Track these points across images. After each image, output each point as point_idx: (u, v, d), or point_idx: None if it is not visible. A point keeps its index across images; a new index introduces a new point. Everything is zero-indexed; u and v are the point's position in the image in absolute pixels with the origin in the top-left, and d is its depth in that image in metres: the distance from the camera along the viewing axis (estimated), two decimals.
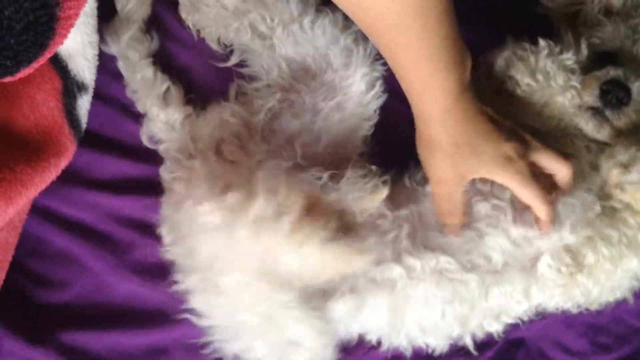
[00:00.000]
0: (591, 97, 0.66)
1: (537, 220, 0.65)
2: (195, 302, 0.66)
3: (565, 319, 0.82)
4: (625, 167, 0.62)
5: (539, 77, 0.66)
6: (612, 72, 0.65)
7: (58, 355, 0.73)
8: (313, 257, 0.56)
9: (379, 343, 0.74)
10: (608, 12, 0.71)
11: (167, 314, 0.71)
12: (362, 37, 0.70)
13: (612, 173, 0.63)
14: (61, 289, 0.74)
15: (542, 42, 0.67)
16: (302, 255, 0.56)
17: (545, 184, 0.64)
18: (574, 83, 0.66)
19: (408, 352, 0.74)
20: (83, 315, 0.74)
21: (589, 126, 0.67)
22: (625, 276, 0.66)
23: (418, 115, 0.64)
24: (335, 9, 0.69)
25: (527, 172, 0.63)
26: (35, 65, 0.49)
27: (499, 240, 0.65)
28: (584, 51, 0.68)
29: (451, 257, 0.66)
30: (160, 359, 0.75)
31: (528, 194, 0.63)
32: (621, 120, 0.65)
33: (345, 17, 0.69)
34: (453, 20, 0.58)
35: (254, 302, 0.61)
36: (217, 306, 0.64)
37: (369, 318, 0.69)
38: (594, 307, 0.70)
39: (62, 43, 0.49)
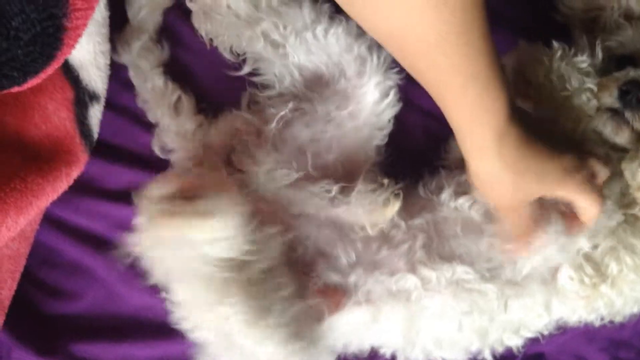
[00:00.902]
0: (610, 99, 0.65)
1: (573, 222, 0.64)
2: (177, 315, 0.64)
3: (586, 334, 0.81)
4: None
5: (554, 79, 0.65)
6: (632, 72, 0.64)
7: None
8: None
9: (394, 358, 0.74)
10: (628, 17, 0.70)
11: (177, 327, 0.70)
12: (376, 45, 0.69)
13: (637, 174, 0.62)
14: (72, 300, 0.75)
15: (555, 45, 0.66)
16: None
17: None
18: (589, 85, 0.65)
19: None
20: (94, 327, 0.75)
21: (607, 129, 0.66)
22: None
23: (470, 149, 0.60)
24: (349, 16, 0.69)
25: (589, 180, 0.62)
26: (42, 75, 0.49)
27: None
28: (599, 54, 0.68)
29: (469, 267, 0.65)
30: None
31: (590, 202, 0.62)
32: None
33: (359, 26, 0.69)
34: (491, 36, 0.55)
35: (208, 318, 0.60)
36: (192, 321, 0.63)
37: (384, 329, 0.69)
38: (617, 319, 0.69)
39: (69, 53, 0.50)
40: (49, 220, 0.73)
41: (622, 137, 0.66)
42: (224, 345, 0.61)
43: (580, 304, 0.66)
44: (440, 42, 0.52)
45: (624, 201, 0.65)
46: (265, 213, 0.67)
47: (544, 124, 0.66)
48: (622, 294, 0.65)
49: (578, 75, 0.65)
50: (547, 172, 0.60)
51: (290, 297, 0.61)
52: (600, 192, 0.62)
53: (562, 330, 0.78)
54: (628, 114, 0.65)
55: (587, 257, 0.65)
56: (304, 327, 0.62)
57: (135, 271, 0.73)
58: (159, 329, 0.74)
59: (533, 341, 0.77)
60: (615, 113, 0.66)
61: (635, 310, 0.68)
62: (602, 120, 0.66)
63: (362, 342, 0.72)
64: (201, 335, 0.63)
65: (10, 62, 0.46)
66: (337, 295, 0.67)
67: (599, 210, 0.62)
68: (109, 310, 0.75)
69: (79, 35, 0.48)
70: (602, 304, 0.66)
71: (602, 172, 0.63)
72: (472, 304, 0.65)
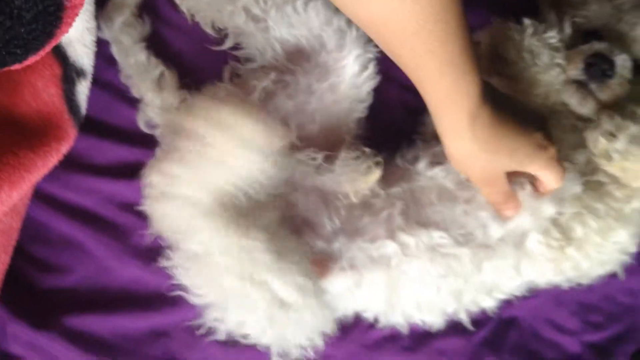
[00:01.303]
0: (576, 71, 0.67)
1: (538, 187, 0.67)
2: (184, 279, 0.67)
3: (557, 298, 0.84)
4: (612, 135, 0.62)
5: (525, 55, 0.67)
6: (597, 45, 0.66)
7: (62, 339, 0.74)
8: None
9: (376, 321, 0.77)
10: None
11: (168, 297, 0.73)
12: None
13: (598, 142, 0.63)
14: (64, 274, 0.76)
15: (526, 21, 0.68)
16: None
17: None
18: (559, 60, 0.67)
19: (404, 330, 0.76)
20: (86, 300, 0.76)
21: (573, 100, 0.68)
22: (615, 249, 0.68)
23: (445, 129, 0.63)
24: None
25: (554, 156, 0.64)
26: (42, 53, 0.51)
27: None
28: (567, 29, 0.70)
29: (444, 232, 0.68)
30: (162, 341, 0.77)
31: (556, 177, 0.65)
32: (605, 93, 0.66)
33: None
34: (466, 22, 0.58)
35: (229, 263, 0.63)
36: (201, 278, 0.66)
37: (367, 294, 0.72)
38: (585, 281, 0.73)
39: (67, 31, 0.51)
40: (39, 196, 0.74)
41: (587, 108, 0.68)
42: (235, 296, 0.65)
43: (548, 266, 0.69)
44: (418, 29, 0.54)
45: (589, 168, 0.68)
46: None
47: (515, 100, 0.69)
48: (588, 256, 0.68)
49: (548, 51, 0.67)
50: (518, 149, 0.63)
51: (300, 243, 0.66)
52: (562, 167, 0.65)
53: (534, 295, 0.81)
54: (593, 86, 0.67)
55: (555, 222, 0.68)
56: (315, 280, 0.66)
57: (124, 245, 0.76)
58: (150, 300, 0.76)
59: (507, 305, 0.81)
60: (581, 85, 0.68)
61: (600, 272, 0.71)
62: (568, 92, 0.68)
63: (346, 307, 0.75)
64: (208, 294, 0.66)
65: (13, 40, 0.47)
66: (323, 262, 0.70)
67: (558, 183, 0.65)
68: (100, 283, 0.76)
69: (77, 14, 0.50)
70: (569, 266, 0.69)
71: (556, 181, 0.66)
72: (447, 268, 0.68)
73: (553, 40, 0.68)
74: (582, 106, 0.68)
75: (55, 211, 0.75)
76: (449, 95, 0.60)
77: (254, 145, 0.61)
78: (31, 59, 0.51)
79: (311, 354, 0.69)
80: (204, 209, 0.62)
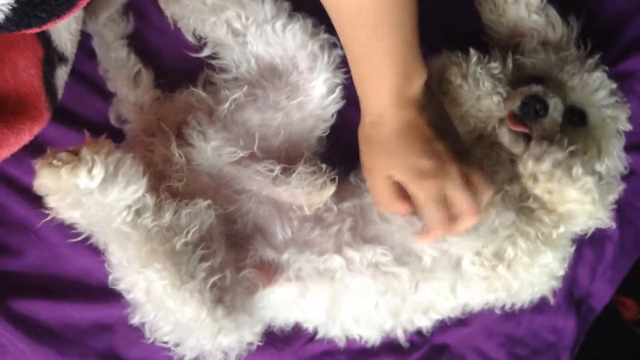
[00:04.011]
0: (513, 108, 0.74)
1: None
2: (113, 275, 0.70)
3: (487, 328, 0.90)
4: (538, 158, 0.68)
5: (470, 80, 0.74)
6: (535, 88, 0.73)
7: (7, 323, 0.75)
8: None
9: (315, 334, 0.81)
10: (544, 44, 0.80)
11: (115, 291, 0.73)
12: (328, 45, 0.77)
13: (527, 163, 0.69)
14: (16, 257, 0.77)
15: (472, 52, 0.76)
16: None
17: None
18: (500, 90, 0.74)
19: (342, 343, 0.80)
20: (35, 285, 0.77)
21: (505, 139, 0.75)
22: (543, 272, 0.74)
23: (362, 106, 0.70)
24: (306, 15, 0.76)
25: (432, 194, 0.67)
26: (61, 19, 0.55)
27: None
28: (509, 64, 0.77)
29: (387, 250, 0.72)
30: (106, 335, 0.78)
31: (429, 215, 0.68)
32: (537, 131, 0.73)
33: (314, 25, 0.76)
34: (410, 33, 0.65)
35: (137, 280, 0.66)
36: (124, 282, 0.69)
37: (309, 305, 0.75)
38: (517, 301, 0.77)
39: (84, 4, 0.55)
40: (0, 177, 0.75)
41: (517, 148, 0.74)
42: (154, 305, 0.67)
43: (481, 286, 0.75)
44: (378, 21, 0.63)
45: (523, 197, 0.74)
46: (206, 187, 0.74)
47: (452, 129, 0.75)
48: (518, 276, 0.73)
49: (490, 79, 0.74)
50: (400, 155, 0.67)
51: (218, 265, 0.67)
52: (438, 211, 0.67)
53: (466, 323, 0.87)
54: (527, 123, 0.73)
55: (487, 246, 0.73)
56: (232, 295, 0.68)
57: (80, 234, 0.77)
58: (98, 292, 0.77)
59: (439, 331, 0.86)
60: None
61: (530, 294, 0.76)
62: (502, 131, 0.75)
63: (288, 317, 0.79)
64: (134, 297, 0.68)
65: (42, 4, 0.51)
66: (270, 271, 0.74)
67: (430, 224, 0.68)
68: (51, 270, 0.77)
69: None
70: (500, 285, 0.74)
71: (485, 194, 0.69)
72: (387, 285, 0.73)
73: (496, 71, 0.75)
74: (514, 146, 0.74)
75: (15, 193, 0.76)
76: (367, 83, 0.67)
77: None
78: (49, 24, 0.55)
79: None
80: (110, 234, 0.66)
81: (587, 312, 0.94)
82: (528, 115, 0.72)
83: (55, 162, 0.60)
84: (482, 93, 0.74)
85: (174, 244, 0.64)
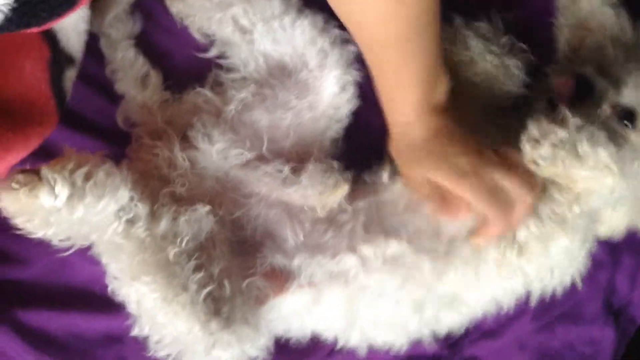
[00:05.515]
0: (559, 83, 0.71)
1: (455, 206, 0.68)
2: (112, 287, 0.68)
3: (519, 340, 0.86)
4: (537, 141, 0.63)
5: (458, 44, 0.73)
6: (588, 69, 0.70)
7: (13, 333, 0.74)
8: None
9: (335, 344, 0.77)
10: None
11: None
12: (339, 41, 0.75)
13: (525, 148, 0.64)
14: (22, 266, 0.76)
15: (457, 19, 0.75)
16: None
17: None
18: (492, 47, 0.72)
19: (364, 352, 0.76)
20: (42, 295, 0.76)
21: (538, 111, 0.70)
22: (561, 256, 0.69)
23: (388, 119, 0.70)
24: (315, 11, 0.75)
25: (479, 190, 0.65)
26: (63, 17, 0.55)
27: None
28: (500, 25, 0.76)
29: (405, 241, 0.69)
30: (115, 346, 0.77)
31: (484, 211, 0.66)
32: (576, 113, 0.66)
33: (325, 21, 0.75)
34: (434, 48, 0.64)
35: (130, 292, 0.64)
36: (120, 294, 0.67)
37: (325, 312, 0.73)
38: (537, 289, 0.73)
39: (85, 3, 0.55)
40: None
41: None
42: (146, 319, 0.65)
43: (496, 272, 0.70)
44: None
45: None
46: (212, 191, 0.72)
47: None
48: (532, 261, 0.69)
49: (480, 39, 0.72)
50: (441, 156, 0.67)
51: (216, 275, 0.64)
52: (493, 202, 0.65)
53: (496, 335, 0.84)
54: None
55: None
56: (231, 306, 0.65)
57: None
58: (107, 302, 0.73)
59: (469, 343, 0.83)
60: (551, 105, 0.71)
61: (552, 280, 0.72)
62: (539, 104, 0.72)
63: (303, 326, 0.76)
64: (131, 308, 0.66)
65: (41, 3, 0.51)
66: (281, 278, 0.71)
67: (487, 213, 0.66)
68: (58, 279, 0.76)
69: None
70: (513, 271, 0.70)
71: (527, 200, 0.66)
72: (407, 277, 0.69)
73: (484, 30, 0.74)
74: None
75: None
76: (391, 97, 0.67)
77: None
78: (49, 24, 0.55)
79: None
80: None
81: (627, 322, 0.90)
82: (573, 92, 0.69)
83: (14, 184, 0.59)
84: (475, 55, 0.71)
85: (167, 253, 0.62)
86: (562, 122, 0.63)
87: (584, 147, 0.62)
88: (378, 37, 0.63)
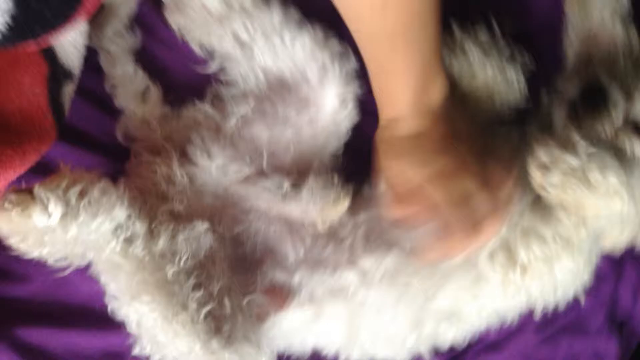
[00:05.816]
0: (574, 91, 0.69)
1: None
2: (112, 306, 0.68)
3: (522, 353, 0.85)
4: (546, 168, 0.62)
5: (458, 52, 0.72)
6: (602, 76, 0.69)
7: (12, 351, 0.73)
8: None
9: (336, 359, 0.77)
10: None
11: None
12: (339, 57, 0.74)
13: (534, 174, 0.63)
14: (22, 283, 0.75)
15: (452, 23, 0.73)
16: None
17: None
18: (492, 54, 0.71)
19: None
20: (41, 312, 0.75)
21: (557, 114, 0.70)
22: (565, 275, 0.68)
23: (379, 110, 0.69)
24: (316, 26, 0.74)
25: (451, 191, 0.64)
26: (58, 32, 0.56)
27: None
28: (497, 31, 0.74)
29: (403, 254, 0.69)
30: None
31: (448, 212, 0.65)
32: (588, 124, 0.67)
33: (324, 34, 0.74)
34: (432, 47, 0.63)
35: (129, 312, 0.64)
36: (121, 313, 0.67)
37: (326, 328, 0.72)
38: (540, 305, 0.73)
39: (83, 19, 0.55)
40: None
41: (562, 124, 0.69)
42: (147, 339, 0.65)
43: (499, 290, 0.70)
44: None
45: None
46: (211, 208, 0.72)
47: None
48: (536, 280, 0.68)
49: (479, 48, 0.71)
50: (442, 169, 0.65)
51: (216, 293, 0.64)
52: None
53: (500, 347, 0.84)
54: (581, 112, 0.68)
55: (503, 244, 0.68)
56: (231, 324, 0.65)
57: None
58: (107, 319, 0.73)
59: (472, 356, 0.83)
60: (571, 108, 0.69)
61: (555, 297, 0.71)
62: (559, 109, 0.70)
63: (304, 342, 0.75)
64: (132, 327, 0.66)
65: (37, 20, 0.52)
66: (282, 295, 0.71)
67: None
68: (58, 296, 0.76)
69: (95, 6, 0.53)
70: (516, 290, 0.69)
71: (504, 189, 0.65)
72: (404, 292, 0.69)
73: (483, 38, 0.72)
74: (561, 120, 0.69)
75: None
76: (382, 92, 0.66)
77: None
78: (45, 38, 0.55)
79: None
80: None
81: (630, 336, 0.90)
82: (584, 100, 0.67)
83: (6, 204, 0.58)
84: (475, 64, 0.71)
85: (165, 272, 0.61)
86: (572, 148, 0.62)
87: (595, 176, 0.61)
88: (374, 28, 0.62)
